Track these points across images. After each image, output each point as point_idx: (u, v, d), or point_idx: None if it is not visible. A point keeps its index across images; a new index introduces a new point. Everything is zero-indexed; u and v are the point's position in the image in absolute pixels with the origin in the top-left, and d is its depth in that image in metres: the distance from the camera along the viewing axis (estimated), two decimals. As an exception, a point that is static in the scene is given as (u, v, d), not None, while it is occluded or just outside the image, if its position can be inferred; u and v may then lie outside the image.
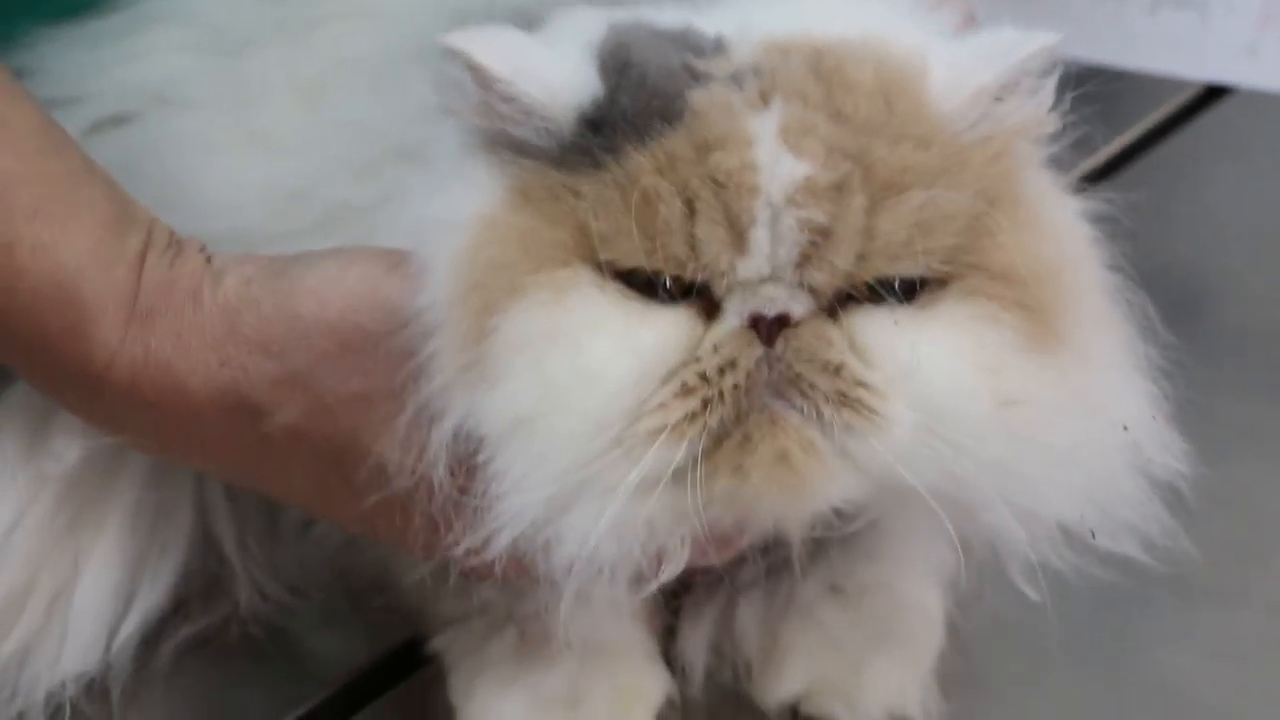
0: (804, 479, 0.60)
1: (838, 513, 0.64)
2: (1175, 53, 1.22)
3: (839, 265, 0.60)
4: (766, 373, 0.60)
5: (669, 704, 0.72)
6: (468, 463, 0.62)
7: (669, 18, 0.65)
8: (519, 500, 0.60)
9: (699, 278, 0.61)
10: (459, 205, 0.63)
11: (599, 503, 0.60)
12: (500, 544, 0.61)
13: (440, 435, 0.62)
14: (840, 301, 0.61)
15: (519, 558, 0.61)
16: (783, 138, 0.60)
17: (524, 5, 0.69)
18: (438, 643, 0.72)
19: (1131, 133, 1.15)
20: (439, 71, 0.64)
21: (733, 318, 0.61)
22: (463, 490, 0.62)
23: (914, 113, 0.62)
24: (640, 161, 0.61)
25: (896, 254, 0.61)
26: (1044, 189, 0.65)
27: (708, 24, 0.64)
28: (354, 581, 0.76)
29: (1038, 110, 0.64)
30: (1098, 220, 0.66)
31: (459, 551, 0.62)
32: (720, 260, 0.60)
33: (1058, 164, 0.67)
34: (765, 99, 0.61)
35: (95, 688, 0.73)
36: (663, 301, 0.61)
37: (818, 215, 0.60)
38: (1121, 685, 0.74)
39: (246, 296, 0.67)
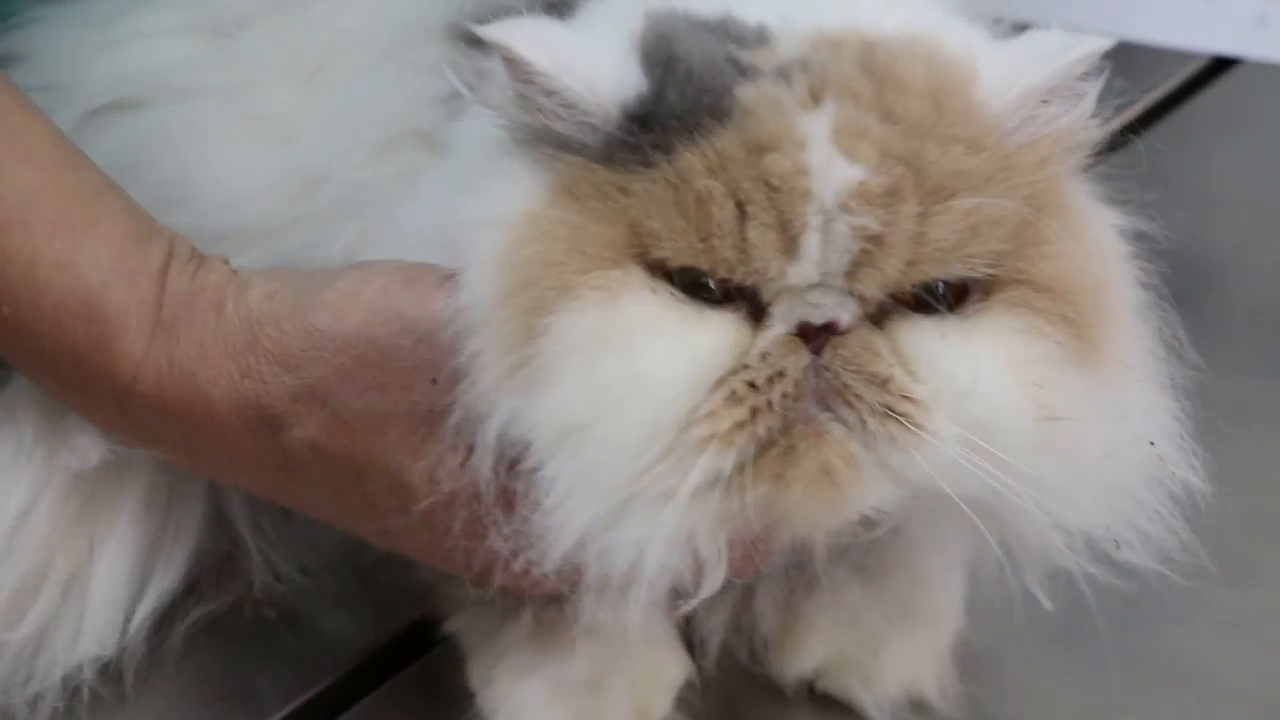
0: (844, 492, 0.60)
1: (865, 519, 0.63)
2: (1182, 24, 1.21)
3: (889, 272, 0.60)
4: (813, 382, 0.60)
5: (688, 685, 0.72)
6: (513, 468, 0.61)
7: (706, 5, 0.64)
8: (571, 510, 0.60)
9: (748, 282, 0.60)
10: (499, 202, 0.63)
11: (653, 512, 0.60)
12: (553, 555, 0.60)
13: (485, 438, 0.61)
14: (885, 309, 0.61)
15: (566, 570, 0.61)
16: (836, 140, 0.60)
17: None
18: (453, 624, 0.72)
19: (1138, 105, 1.15)
20: (467, 61, 0.63)
21: (780, 324, 0.61)
22: (507, 498, 0.62)
23: (963, 114, 0.61)
24: (691, 160, 0.60)
25: (945, 259, 0.60)
26: (1084, 199, 0.65)
27: (746, 11, 0.63)
28: (366, 561, 0.76)
29: (1080, 116, 0.63)
30: (1134, 237, 0.66)
31: (507, 564, 0.61)
32: (770, 265, 0.60)
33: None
34: (816, 97, 0.61)
35: (109, 668, 0.73)
36: (712, 303, 0.61)
37: (871, 222, 0.59)
38: (1133, 663, 0.74)
39: (268, 310, 0.67)
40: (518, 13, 0.65)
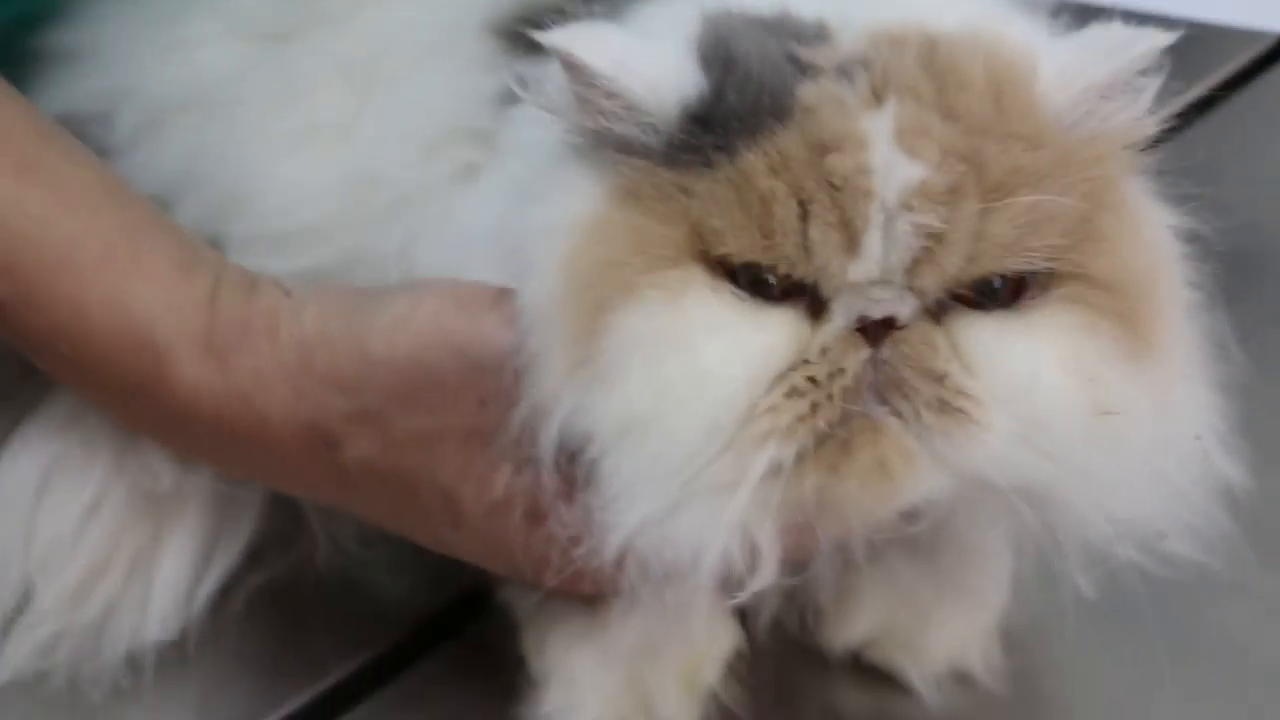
0: (898, 484, 0.62)
1: (912, 511, 0.64)
2: (1248, 2, 1.20)
3: (948, 269, 0.61)
4: (871, 375, 0.61)
5: (736, 654, 0.73)
6: (572, 461, 0.63)
7: (764, 2, 0.64)
8: (633, 501, 0.61)
9: (809, 278, 0.61)
10: (561, 208, 0.64)
11: (715, 503, 0.61)
12: (613, 545, 0.61)
13: (547, 432, 0.63)
14: (945, 304, 0.62)
15: (623, 561, 0.62)
16: (898, 139, 0.60)
17: None
18: (504, 594, 0.73)
19: (1198, 88, 1.14)
20: (508, 61, 0.64)
21: (840, 319, 0.61)
22: (567, 488, 0.63)
23: (1023, 111, 0.62)
24: (753, 160, 0.61)
25: (1005, 253, 0.61)
26: (1140, 196, 0.66)
27: (804, 7, 0.64)
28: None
29: (1139, 111, 0.64)
30: (1188, 238, 0.66)
31: (562, 559, 0.63)
32: (832, 263, 0.61)
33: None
34: (878, 96, 0.61)
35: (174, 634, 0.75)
36: (772, 300, 0.62)
37: (933, 220, 0.60)
38: (1178, 643, 0.74)
39: (322, 332, 0.68)
40: (563, 13, 0.66)
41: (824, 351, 0.61)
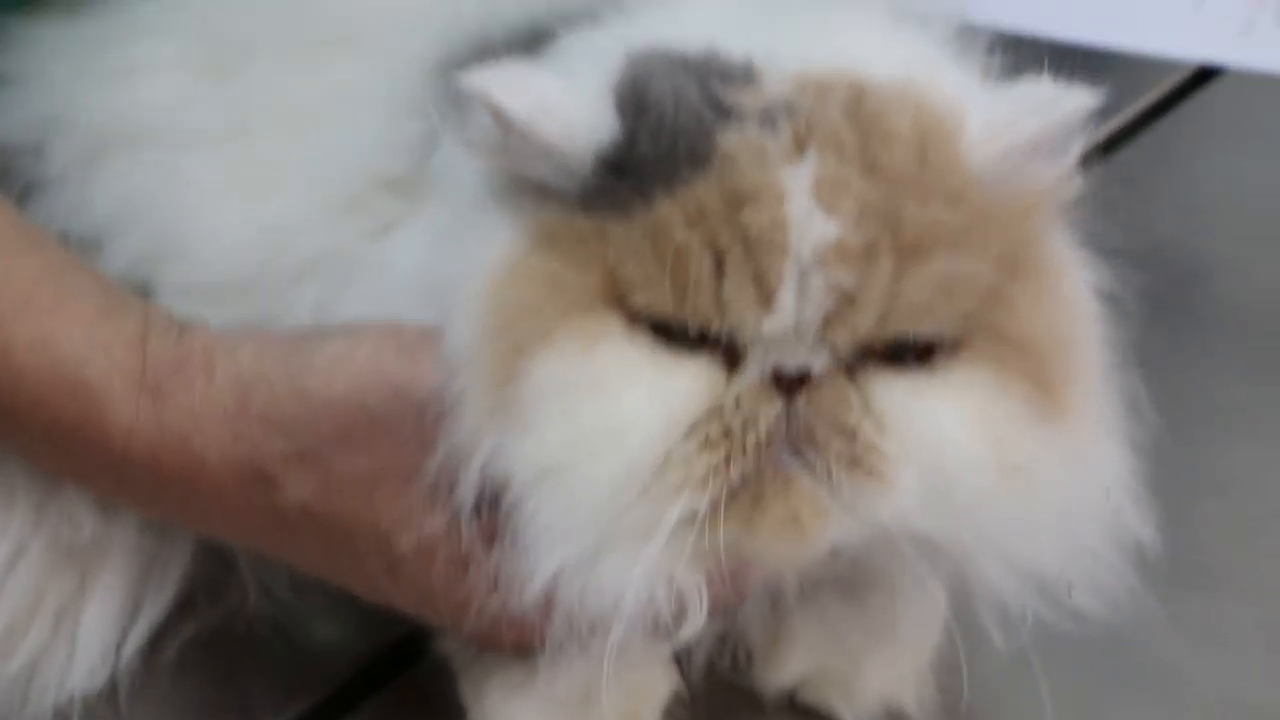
0: (809, 536, 0.62)
1: (834, 551, 0.65)
2: (1167, 32, 1.22)
3: (860, 327, 0.61)
4: (784, 428, 0.61)
5: (675, 698, 0.73)
6: (493, 506, 0.63)
7: (692, 39, 0.64)
8: (549, 547, 0.61)
9: (725, 331, 0.61)
10: (482, 249, 0.64)
11: (629, 552, 0.61)
12: (531, 591, 0.62)
13: (467, 477, 0.63)
14: (860, 359, 0.62)
15: (542, 609, 0.62)
16: (816, 194, 0.60)
17: (529, 23, 0.68)
18: (441, 643, 0.73)
19: (1124, 115, 1.15)
20: (458, 109, 0.63)
21: (754, 371, 0.62)
22: (487, 534, 0.63)
23: (947, 167, 0.62)
24: (669, 210, 0.61)
25: (918, 316, 0.61)
26: (1063, 255, 0.66)
27: (732, 45, 0.63)
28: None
29: (1066, 170, 0.64)
30: (1105, 297, 0.67)
31: (484, 607, 0.63)
32: (746, 318, 0.61)
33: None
34: (800, 146, 0.61)
35: (103, 687, 0.74)
36: (687, 349, 0.62)
37: (846, 279, 0.60)
38: (1111, 671, 0.75)
39: (259, 372, 0.67)
40: (496, 54, 0.65)
41: (738, 402, 0.61)
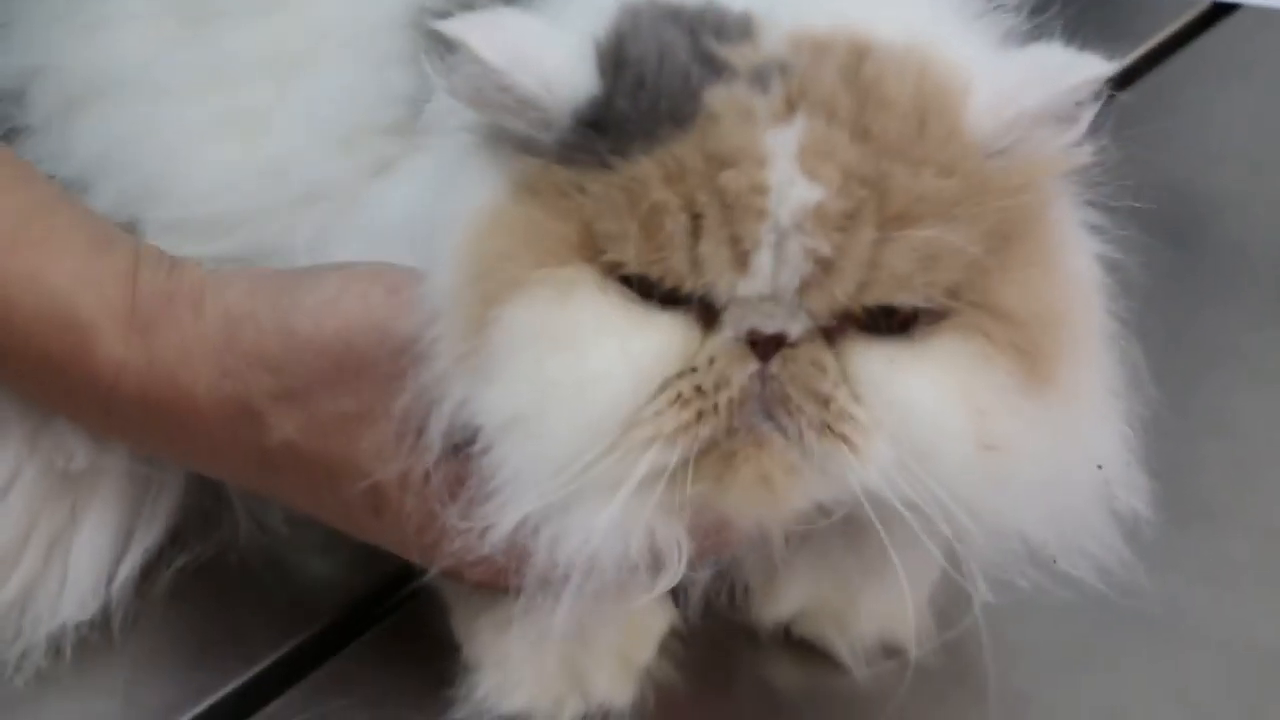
0: (780, 496, 0.62)
1: (821, 507, 0.64)
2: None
3: (838, 295, 0.60)
4: (759, 389, 0.61)
5: (670, 632, 0.73)
6: (463, 451, 0.62)
7: None
8: (514, 494, 0.61)
9: (699, 291, 0.60)
10: (465, 198, 0.63)
11: (595, 503, 0.61)
12: (496, 536, 0.61)
13: (437, 421, 0.62)
14: (839, 324, 0.61)
15: (514, 553, 0.62)
16: (800, 159, 0.59)
17: None
18: (434, 578, 0.71)
19: (1136, 51, 1.14)
20: (440, 56, 0.62)
21: (730, 331, 0.61)
22: (456, 480, 0.62)
23: (945, 136, 0.60)
24: (648, 167, 0.60)
25: (899, 285, 0.60)
26: (1063, 226, 0.64)
27: None
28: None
29: (1073, 140, 0.62)
30: (1110, 266, 0.66)
31: (453, 544, 0.62)
32: (721, 279, 0.60)
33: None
34: (790, 107, 0.60)
35: (96, 617, 0.74)
36: (662, 305, 0.61)
37: (823, 246, 0.59)
38: (1111, 609, 0.74)
39: (248, 309, 0.67)
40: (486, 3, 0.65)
41: (712, 361, 0.61)
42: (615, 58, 0.61)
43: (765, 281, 0.60)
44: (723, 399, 0.60)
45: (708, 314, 0.61)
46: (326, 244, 0.72)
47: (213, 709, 0.73)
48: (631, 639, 0.72)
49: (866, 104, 0.60)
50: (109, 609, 0.74)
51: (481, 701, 0.70)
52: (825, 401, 0.61)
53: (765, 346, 0.61)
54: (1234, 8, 1.19)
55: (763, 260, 0.60)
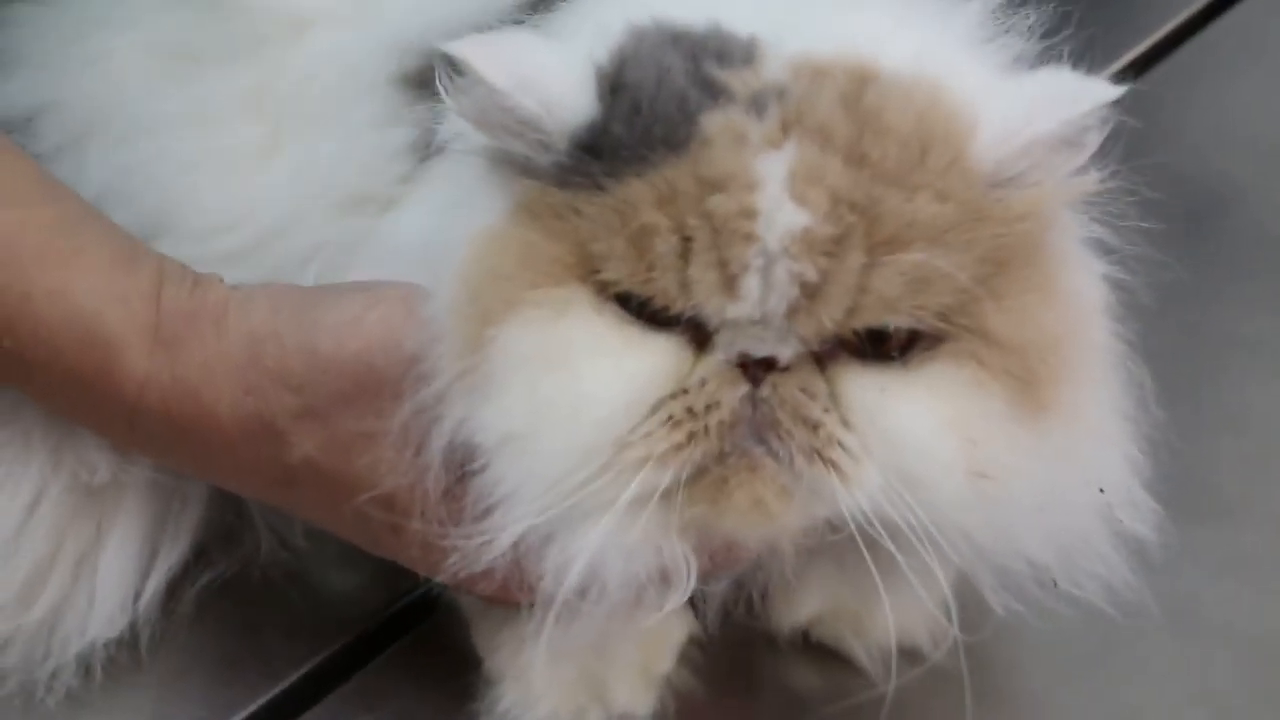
0: (776, 519, 0.62)
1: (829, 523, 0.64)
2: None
3: (825, 320, 0.60)
4: (750, 412, 0.61)
5: (690, 640, 0.73)
6: (462, 468, 0.63)
7: (698, 12, 0.62)
8: (509, 512, 0.62)
9: (689, 313, 0.61)
10: (469, 220, 0.64)
11: (587, 523, 0.61)
12: (492, 553, 0.62)
13: (439, 438, 0.63)
14: (831, 349, 0.61)
15: (516, 569, 0.62)
16: (789, 184, 0.59)
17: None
18: (453, 593, 0.73)
19: (1148, 40, 1.14)
20: (454, 76, 0.63)
21: (721, 353, 0.61)
22: (456, 496, 0.63)
23: (946, 165, 0.60)
24: (641, 190, 0.60)
25: (886, 308, 0.60)
26: (1067, 250, 0.64)
27: (740, 20, 0.62)
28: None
29: (1080, 166, 0.62)
30: (1117, 287, 0.66)
31: (454, 560, 0.63)
32: (710, 302, 0.60)
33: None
34: (784, 132, 0.60)
35: (123, 637, 0.75)
36: (656, 326, 0.61)
37: (809, 271, 0.59)
38: (1126, 605, 0.75)
39: (271, 327, 0.68)
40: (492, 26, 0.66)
41: (703, 383, 0.61)
42: (613, 82, 0.61)
43: (754, 305, 0.60)
44: (713, 421, 0.61)
45: (700, 336, 0.62)
46: (338, 269, 0.72)
47: (241, 726, 0.74)
48: (651, 649, 0.72)
49: (865, 130, 0.60)
50: (136, 628, 0.75)
51: (504, 715, 0.71)
52: (815, 427, 0.61)
53: (756, 370, 0.61)
54: (1248, -7, 1.18)
55: (751, 284, 0.60)
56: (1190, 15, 1.17)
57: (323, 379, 0.67)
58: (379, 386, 0.66)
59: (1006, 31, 0.66)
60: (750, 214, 0.59)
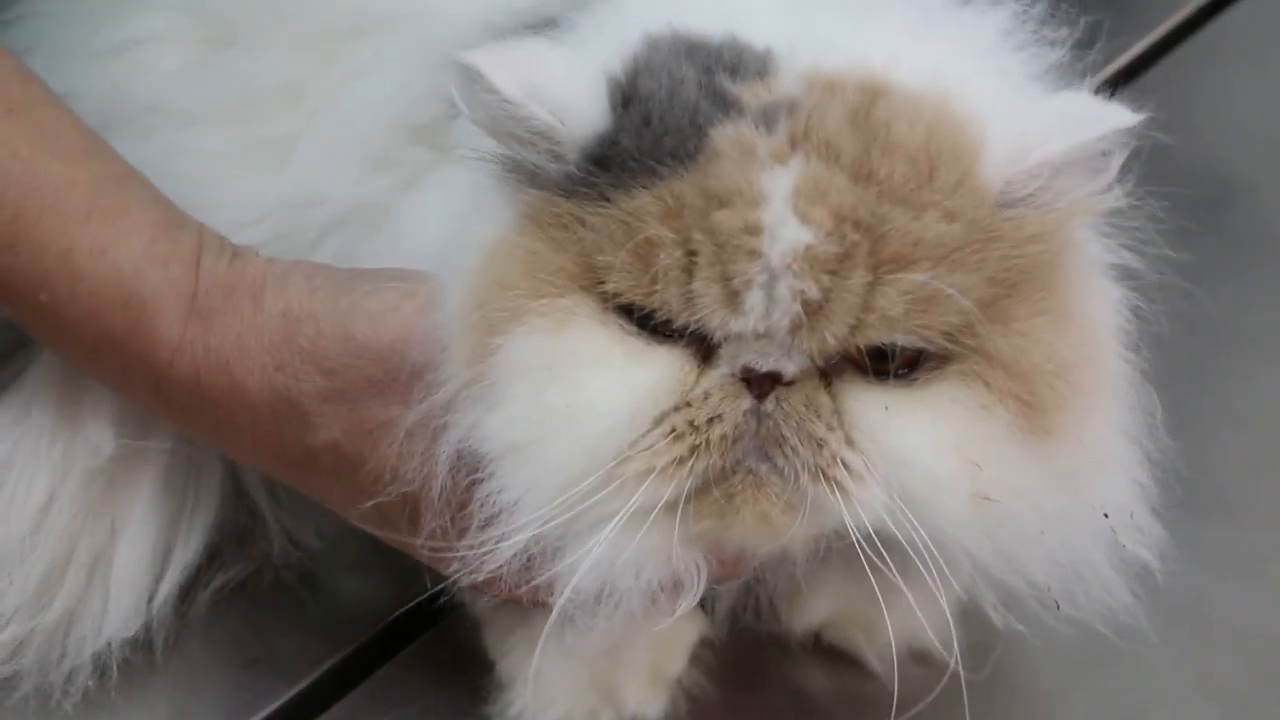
0: (783, 532, 0.62)
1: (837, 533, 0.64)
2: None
3: (828, 337, 0.60)
4: (754, 427, 0.61)
5: (701, 642, 0.74)
6: (469, 475, 0.63)
7: (715, 22, 0.62)
8: (513, 521, 0.62)
9: (692, 326, 0.61)
10: (479, 227, 0.64)
11: (591, 533, 0.61)
12: (498, 560, 0.62)
13: (445, 446, 0.63)
14: (837, 365, 0.61)
15: (524, 575, 0.62)
16: (794, 200, 0.59)
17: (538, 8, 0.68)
18: (464, 595, 0.73)
19: (1151, 35, 1.14)
20: (468, 84, 0.62)
21: (725, 367, 0.61)
22: (462, 503, 0.63)
23: (955, 182, 0.60)
24: (647, 202, 0.60)
25: (890, 327, 0.60)
26: (1081, 273, 0.64)
27: (757, 32, 0.62)
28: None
29: (1097, 188, 0.61)
30: (1133, 311, 0.65)
31: (460, 566, 0.63)
32: (713, 316, 0.60)
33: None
34: (792, 147, 0.60)
35: (139, 639, 0.75)
36: (659, 338, 0.61)
37: (811, 288, 0.59)
38: (1136, 601, 0.75)
39: (308, 307, 0.68)
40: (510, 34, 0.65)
41: (706, 396, 0.61)
42: (625, 94, 0.61)
43: (757, 320, 0.60)
44: (715, 434, 0.61)
45: (704, 349, 0.61)
46: (357, 261, 0.72)
47: (256, 728, 0.74)
48: (662, 652, 0.73)
49: (873, 147, 0.60)
50: (152, 630, 0.75)
51: (516, 717, 0.71)
52: (819, 444, 0.61)
53: (760, 384, 0.61)
54: (1251, -12, 1.19)
55: (754, 300, 0.60)
56: (1192, 12, 1.17)
57: (356, 364, 0.67)
58: (410, 377, 0.65)
59: (1038, 41, 0.66)
60: (754, 230, 0.59)
